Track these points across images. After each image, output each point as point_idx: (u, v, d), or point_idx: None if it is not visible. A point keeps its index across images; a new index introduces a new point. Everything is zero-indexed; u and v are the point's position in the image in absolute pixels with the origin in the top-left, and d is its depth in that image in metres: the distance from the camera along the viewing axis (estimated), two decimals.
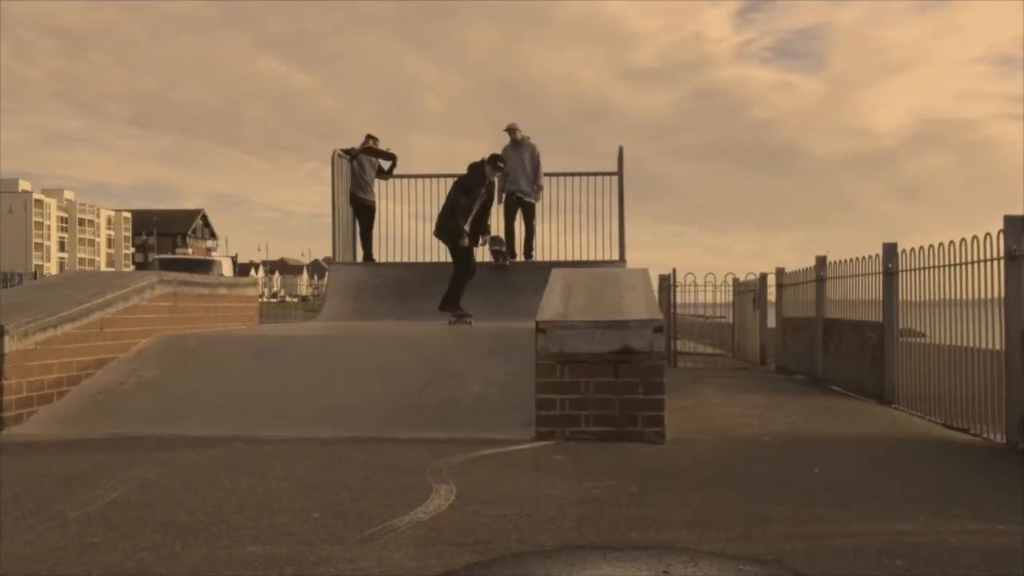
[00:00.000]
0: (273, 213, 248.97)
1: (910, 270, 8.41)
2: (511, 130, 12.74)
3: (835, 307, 10.83)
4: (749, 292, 15.69)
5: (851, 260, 10.02)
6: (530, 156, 12.62)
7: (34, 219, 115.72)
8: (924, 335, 8.33)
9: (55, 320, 7.02)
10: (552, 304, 6.91)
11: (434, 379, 7.19)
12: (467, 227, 10.27)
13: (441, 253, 13.23)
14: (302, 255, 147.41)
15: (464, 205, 10.20)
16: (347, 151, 13.18)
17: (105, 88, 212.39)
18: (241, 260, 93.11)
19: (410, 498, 4.38)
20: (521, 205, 12.62)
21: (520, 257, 12.57)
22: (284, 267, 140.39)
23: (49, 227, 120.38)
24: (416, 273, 12.32)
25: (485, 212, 10.77)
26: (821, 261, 11.22)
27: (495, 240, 11.89)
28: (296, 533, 3.78)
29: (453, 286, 10.22)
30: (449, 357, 7.61)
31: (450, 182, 12.89)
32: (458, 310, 10.13)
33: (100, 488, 4.57)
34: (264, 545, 3.60)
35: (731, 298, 16.82)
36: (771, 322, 14.63)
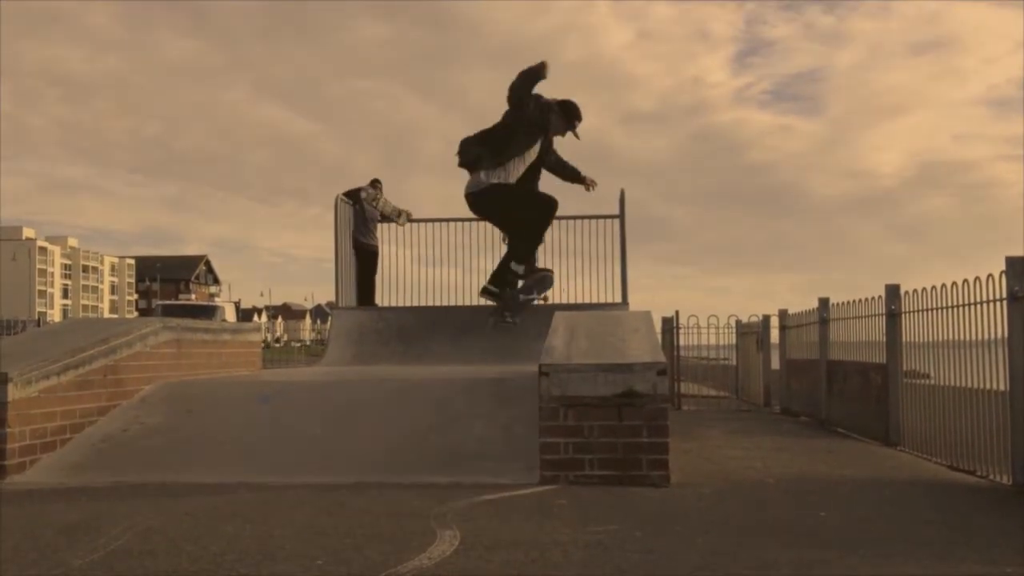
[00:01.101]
0: (276, 258, 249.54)
1: (913, 311, 8.41)
2: None
3: (839, 349, 10.82)
4: (752, 334, 15.69)
5: (854, 301, 10.03)
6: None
7: (38, 266, 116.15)
8: (929, 376, 8.32)
9: (58, 368, 7.03)
10: (555, 347, 6.92)
11: (437, 424, 7.18)
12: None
13: (443, 297, 13.30)
14: (305, 300, 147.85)
15: (522, 145, 8.27)
16: (348, 194, 13.25)
17: (108, 135, 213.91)
18: (244, 305, 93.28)
19: (414, 544, 4.35)
20: None
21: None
22: (287, 312, 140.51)
23: (53, 274, 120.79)
24: (419, 318, 12.33)
25: (534, 178, 8.63)
26: (824, 303, 11.23)
27: (539, 281, 8.81)
28: None
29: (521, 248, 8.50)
30: (452, 401, 7.60)
31: (453, 226, 13.03)
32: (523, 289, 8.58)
33: (103, 536, 4.55)
34: None
35: (734, 340, 16.82)
36: (774, 364, 14.62)
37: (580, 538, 4.54)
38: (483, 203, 8.43)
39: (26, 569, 3.95)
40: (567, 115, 8.34)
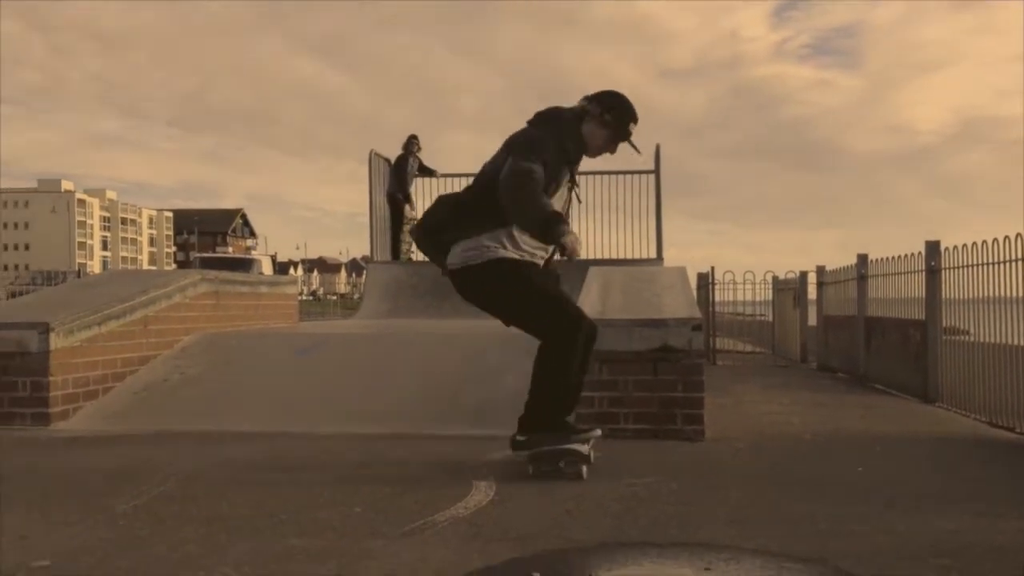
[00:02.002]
0: (311, 212, 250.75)
1: (953, 268, 8.32)
2: None
3: (877, 305, 10.73)
4: (789, 290, 15.59)
5: (893, 258, 9.93)
6: None
7: (77, 219, 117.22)
8: (968, 333, 8.25)
9: (100, 318, 7.12)
10: (590, 302, 6.91)
11: (473, 377, 7.21)
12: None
13: None
14: (340, 253, 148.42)
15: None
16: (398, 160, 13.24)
17: (145, 89, 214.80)
18: (280, 258, 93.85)
19: (450, 494, 4.39)
20: None
21: None
22: (323, 265, 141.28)
23: (92, 226, 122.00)
24: None
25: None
26: (863, 259, 11.12)
27: None
28: (338, 528, 3.81)
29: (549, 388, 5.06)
30: (488, 354, 7.62)
31: None
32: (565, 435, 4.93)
33: (146, 483, 4.63)
34: (307, 539, 3.63)
35: (771, 296, 16.72)
36: (812, 320, 14.53)
37: (615, 490, 4.56)
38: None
39: (71, 513, 4.03)
40: (617, 119, 4.98)
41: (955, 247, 8.29)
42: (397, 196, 13.50)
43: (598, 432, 5.07)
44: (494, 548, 3.51)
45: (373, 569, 3.25)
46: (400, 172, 13.38)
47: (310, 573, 3.20)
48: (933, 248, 8.82)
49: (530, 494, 4.44)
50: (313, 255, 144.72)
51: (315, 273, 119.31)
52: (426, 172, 13.62)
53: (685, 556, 3.47)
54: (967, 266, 7.96)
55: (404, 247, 13.71)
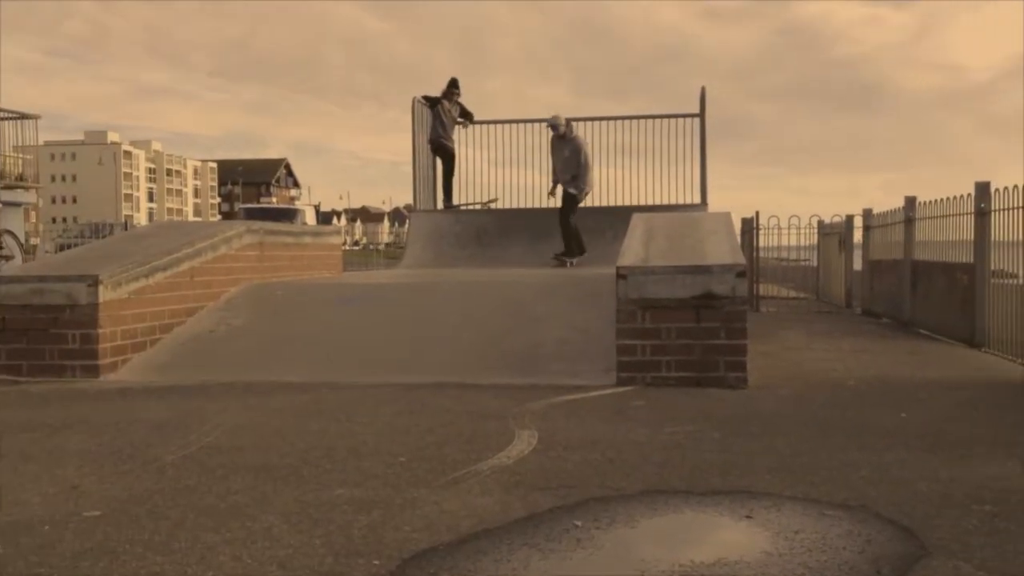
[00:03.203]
0: (354, 161, 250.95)
1: (1004, 210, 8.17)
2: (552, 125, 11.59)
3: (924, 249, 10.59)
4: (835, 235, 15.41)
5: (942, 200, 9.77)
6: (573, 152, 11.37)
7: (123, 170, 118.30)
8: (1017, 276, 8.11)
9: (147, 270, 7.22)
10: (633, 249, 6.88)
11: (515, 325, 7.23)
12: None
13: (520, 199, 13.34)
14: (383, 203, 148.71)
15: None
16: (429, 99, 13.19)
17: (190, 38, 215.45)
18: (323, 208, 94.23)
19: (493, 443, 4.43)
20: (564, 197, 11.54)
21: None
22: (366, 215, 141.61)
23: (138, 178, 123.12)
24: (496, 219, 12.36)
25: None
26: (911, 201, 10.96)
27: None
28: (382, 476, 3.86)
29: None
30: (530, 303, 7.64)
31: (529, 127, 12.93)
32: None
33: (194, 433, 4.72)
34: (352, 488, 3.68)
35: (816, 240, 16.55)
36: (857, 264, 14.38)
37: (657, 438, 4.57)
38: None
39: (122, 464, 4.12)
40: None
41: (1006, 188, 8.14)
42: (442, 142, 13.46)
43: None
44: (536, 497, 3.55)
45: (416, 519, 3.29)
46: (440, 117, 13.34)
47: (353, 522, 3.26)
48: (983, 189, 8.67)
49: (572, 443, 4.46)
50: (356, 204, 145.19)
51: (358, 222, 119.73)
52: (466, 116, 13.56)
53: (726, 504, 3.48)
54: (1018, 208, 7.81)
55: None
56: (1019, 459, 4.17)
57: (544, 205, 12.20)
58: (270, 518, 3.31)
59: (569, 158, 11.37)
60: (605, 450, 4.31)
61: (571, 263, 11.12)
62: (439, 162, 13.67)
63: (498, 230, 12.04)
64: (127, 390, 6.24)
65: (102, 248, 8.59)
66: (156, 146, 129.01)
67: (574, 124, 11.77)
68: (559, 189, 11.57)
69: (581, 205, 11.55)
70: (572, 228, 11.25)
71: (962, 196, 9.04)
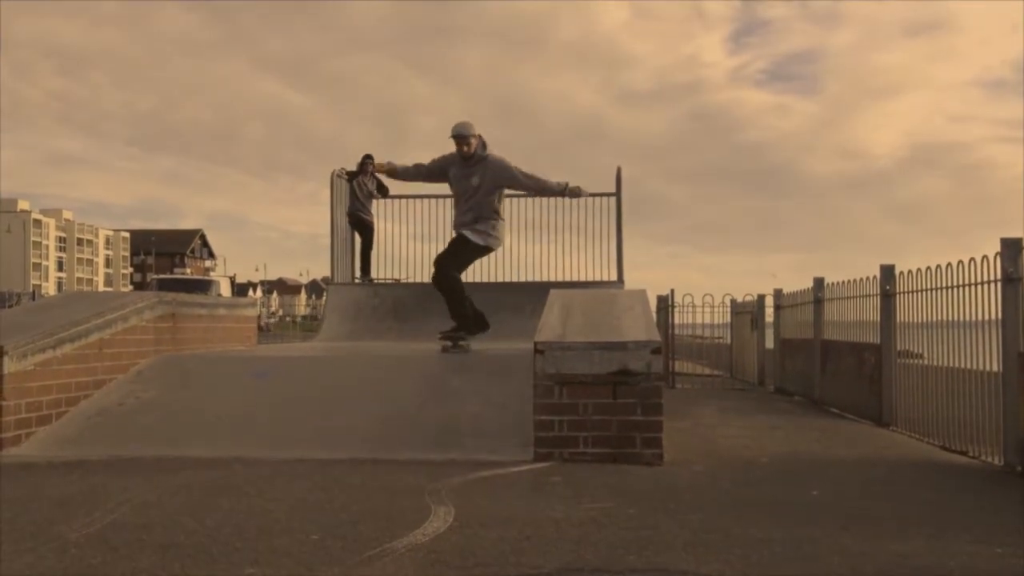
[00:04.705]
0: (271, 233, 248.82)
1: (908, 292, 8.43)
2: (459, 135, 8.31)
3: (833, 328, 10.85)
4: (747, 313, 15.72)
5: (849, 281, 10.05)
6: (484, 178, 8.38)
7: (32, 239, 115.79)
8: (922, 356, 8.35)
9: (54, 341, 7.03)
10: (550, 325, 6.92)
11: (432, 400, 7.19)
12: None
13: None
14: (300, 275, 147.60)
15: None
16: (348, 172, 13.26)
17: (104, 108, 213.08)
18: (239, 280, 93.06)
19: (408, 520, 4.38)
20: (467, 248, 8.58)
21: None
22: (282, 287, 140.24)
23: (47, 247, 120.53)
24: (413, 294, 12.33)
25: None
26: (819, 282, 11.25)
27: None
28: (295, 555, 3.78)
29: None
30: (447, 378, 7.61)
31: (446, 203, 13.01)
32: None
33: (99, 510, 4.57)
34: (263, 567, 3.60)
35: (729, 319, 16.86)
36: (769, 343, 14.66)
37: (574, 515, 4.56)
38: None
39: (22, 542, 3.97)
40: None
41: (909, 271, 8.42)
42: (360, 215, 13.49)
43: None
44: None
45: None
46: (356, 192, 13.42)
47: None
48: (888, 272, 8.95)
49: (489, 519, 4.43)
50: (273, 276, 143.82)
51: (275, 294, 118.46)
52: (381, 190, 13.65)
53: None
54: (921, 290, 8.07)
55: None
56: (928, 536, 4.25)
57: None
58: None
59: (478, 188, 8.39)
60: (522, 527, 4.28)
61: (465, 343, 8.49)
62: (357, 236, 13.70)
63: (416, 304, 12.01)
64: (31, 465, 6.03)
65: (8, 318, 8.35)
66: (67, 215, 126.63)
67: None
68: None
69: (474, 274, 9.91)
70: (461, 292, 8.47)
71: (869, 278, 9.32)
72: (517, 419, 6.66)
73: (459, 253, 8.58)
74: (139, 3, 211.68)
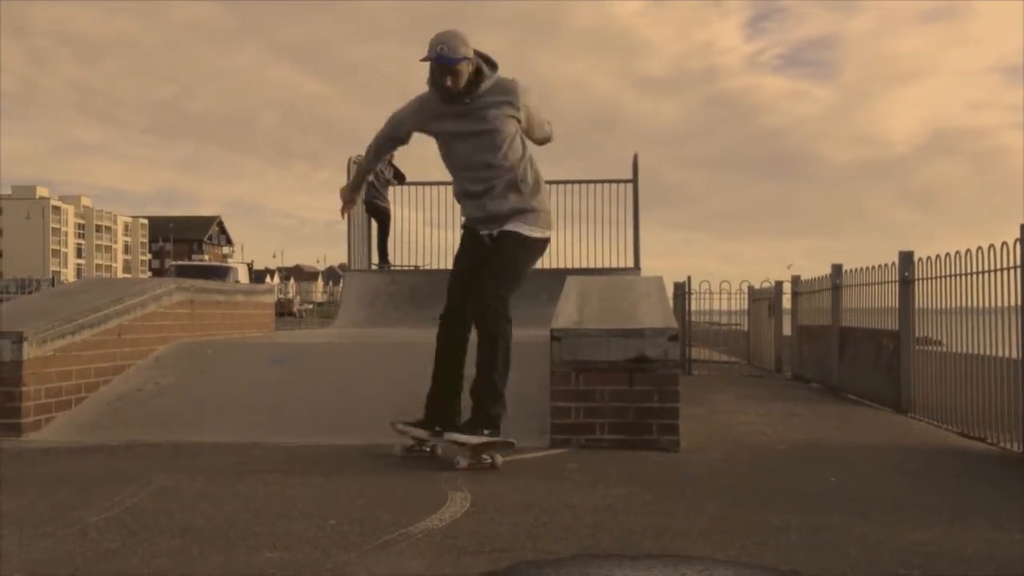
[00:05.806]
0: (288, 220, 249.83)
1: (926, 278, 8.39)
2: (440, 56, 5.21)
3: (851, 315, 10.81)
4: (764, 300, 15.68)
5: (867, 268, 10.00)
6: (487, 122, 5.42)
7: (51, 225, 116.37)
8: (941, 343, 8.32)
9: (73, 327, 7.07)
10: (567, 312, 6.92)
11: None
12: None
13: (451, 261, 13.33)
14: (317, 262, 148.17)
15: None
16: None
17: (120, 97, 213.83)
18: (257, 266, 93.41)
19: (425, 505, 4.39)
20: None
21: None
22: (299, 273, 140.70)
23: (66, 233, 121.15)
24: (430, 280, 12.33)
25: None
26: (837, 269, 11.20)
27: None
28: (312, 540, 3.80)
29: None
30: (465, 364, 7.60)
31: None
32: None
33: (118, 494, 4.60)
34: (281, 552, 3.61)
35: (746, 305, 16.82)
36: (786, 330, 14.62)
37: (590, 501, 4.57)
38: None
39: (42, 526, 4.00)
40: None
41: (928, 258, 8.37)
42: (377, 203, 13.51)
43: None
44: (468, 560, 3.51)
45: None
46: (374, 178, 13.44)
47: None
48: (907, 258, 8.90)
49: (505, 505, 4.44)
50: (290, 263, 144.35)
51: (292, 281, 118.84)
52: (399, 177, 13.68)
53: (659, 567, 3.48)
54: (940, 277, 8.03)
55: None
56: (946, 523, 4.24)
57: None
58: None
59: (483, 137, 5.41)
60: (538, 513, 4.29)
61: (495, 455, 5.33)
62: (374, 222, 13.73)
63: (432, 291, 11.97)
64: (50, 450, 6.08)
65: (28, 304, 8.41)
66: (86, 201, 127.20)
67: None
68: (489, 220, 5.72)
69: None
70: (507, 346, 5.48)
71: (887, 264, 9.27)
72: (533, 406, 6.66)
73: (498, 264, 5.53)
74: None
